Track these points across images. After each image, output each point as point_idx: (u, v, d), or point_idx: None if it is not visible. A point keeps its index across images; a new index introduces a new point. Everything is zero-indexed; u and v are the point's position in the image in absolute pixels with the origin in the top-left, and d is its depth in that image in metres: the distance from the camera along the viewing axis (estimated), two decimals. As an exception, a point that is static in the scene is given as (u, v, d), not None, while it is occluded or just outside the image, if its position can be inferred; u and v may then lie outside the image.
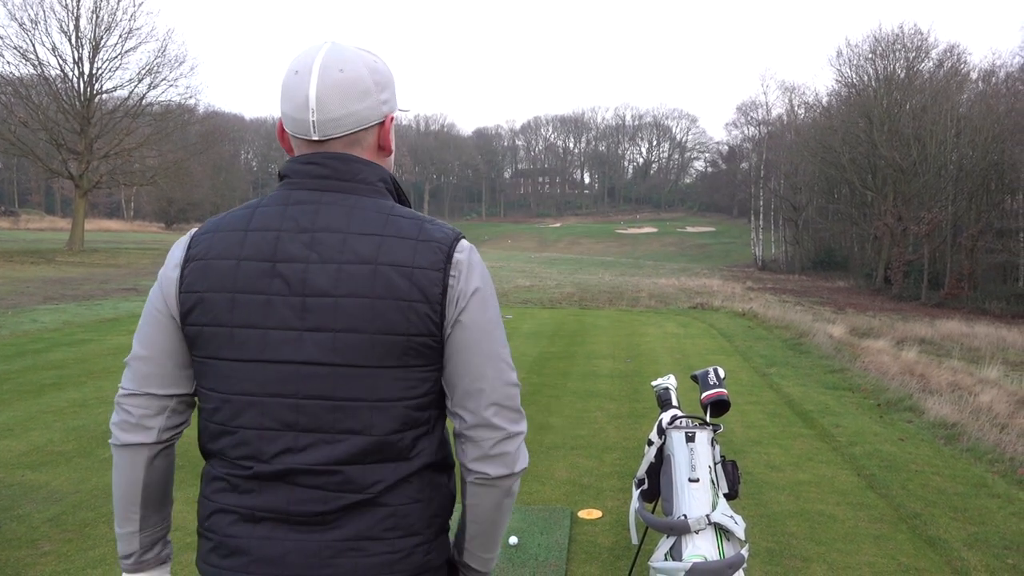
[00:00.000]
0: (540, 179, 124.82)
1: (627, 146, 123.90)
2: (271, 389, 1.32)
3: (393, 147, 1.49)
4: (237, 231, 1.38)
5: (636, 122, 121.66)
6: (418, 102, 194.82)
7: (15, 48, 32.21)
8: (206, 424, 1.40)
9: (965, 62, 49.76)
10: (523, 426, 1.41)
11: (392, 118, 1.47)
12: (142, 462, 1.43)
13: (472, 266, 1.37)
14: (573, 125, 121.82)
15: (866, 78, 50.80)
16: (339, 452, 1.31)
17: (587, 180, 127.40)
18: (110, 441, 1.45)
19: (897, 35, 48.97)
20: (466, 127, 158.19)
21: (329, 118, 1.37)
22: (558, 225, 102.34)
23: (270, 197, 1.42)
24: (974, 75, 49.81)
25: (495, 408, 1.36)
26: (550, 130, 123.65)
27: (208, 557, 1.38)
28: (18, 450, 5.93)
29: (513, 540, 4.22)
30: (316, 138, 1.39)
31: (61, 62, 33.33)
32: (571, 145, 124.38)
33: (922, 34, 49.12)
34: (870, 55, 50.10)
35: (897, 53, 48.88)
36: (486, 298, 1.38)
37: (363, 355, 1.31)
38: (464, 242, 1.40)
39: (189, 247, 1.41)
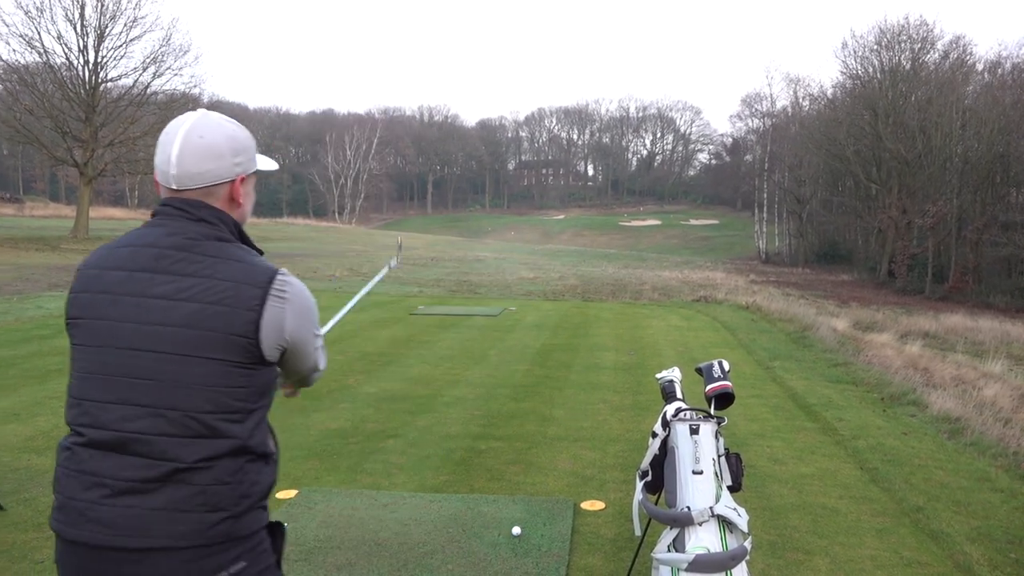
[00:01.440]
0: (544, 171, 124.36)
1: (631, 138, 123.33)
2: (111, 370, 1.63)
3: (244, 200, 1.80)
4: (109, 248, 1.75)
5: (640, 114, 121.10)
6: (422, 94, 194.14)
7: (20, 36, 32.22)
8: (67, 399, 1.71)
9: (971, 53, 49.54)
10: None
11: (243, 178, 1.78)
12: None
13: (288, 295, 1.69)
14: (577, 117, 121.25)
15: (871, 70, 50.59)
16: (161, 424, 1.59)
17: (591, 172, 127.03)
18: None
19: (903, 26, 48.72)
20: (470, 118, 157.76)
21: (186, 172, 1.70)
22: (562, 217, 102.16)
23: (141, 226, 1.77)
24: (980, 66, 49.65)
25: (313, 378, 1.90)
26: (554, 121, 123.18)
27: (56, 514, 1.65)
28: (24, 435, 5.96)
29: (516, 530, 4.24)
30: (174, 187, 1.72)
31: (66, 50, 33.30)
32: (575, 137, 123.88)
33: (927, 25, 48.89)
34: (875, 47, 49.90)
35: (902, 44, 48.64)
36: (301, 324, 1.73)
37: (190, 347, 1.61)
38: (279, 280, 1.69)
39: (84, 262, 1.77)
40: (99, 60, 33.83)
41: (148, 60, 34.71)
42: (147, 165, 37.16)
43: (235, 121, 1.80)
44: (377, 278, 3.63)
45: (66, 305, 1.76)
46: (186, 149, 1.69)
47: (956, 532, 4.40)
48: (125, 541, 1.57)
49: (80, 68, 33.71)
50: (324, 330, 1.98)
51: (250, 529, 1.67)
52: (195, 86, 38.18)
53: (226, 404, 1.62)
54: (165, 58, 34.95)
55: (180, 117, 1.75)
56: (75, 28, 33.05)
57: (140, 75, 34.97)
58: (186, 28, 64.10)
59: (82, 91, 33.62)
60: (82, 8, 32.87)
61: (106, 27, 33.53)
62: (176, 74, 35.98)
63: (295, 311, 1.71)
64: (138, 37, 34.80)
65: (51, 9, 33.60)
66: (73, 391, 1.69)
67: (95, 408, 1.63)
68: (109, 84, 35.15)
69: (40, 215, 48.66)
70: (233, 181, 1.76)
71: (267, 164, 1.91)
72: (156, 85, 35.68)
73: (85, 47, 33.46)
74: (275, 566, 1.75)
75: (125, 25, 33.88)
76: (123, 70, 36.43)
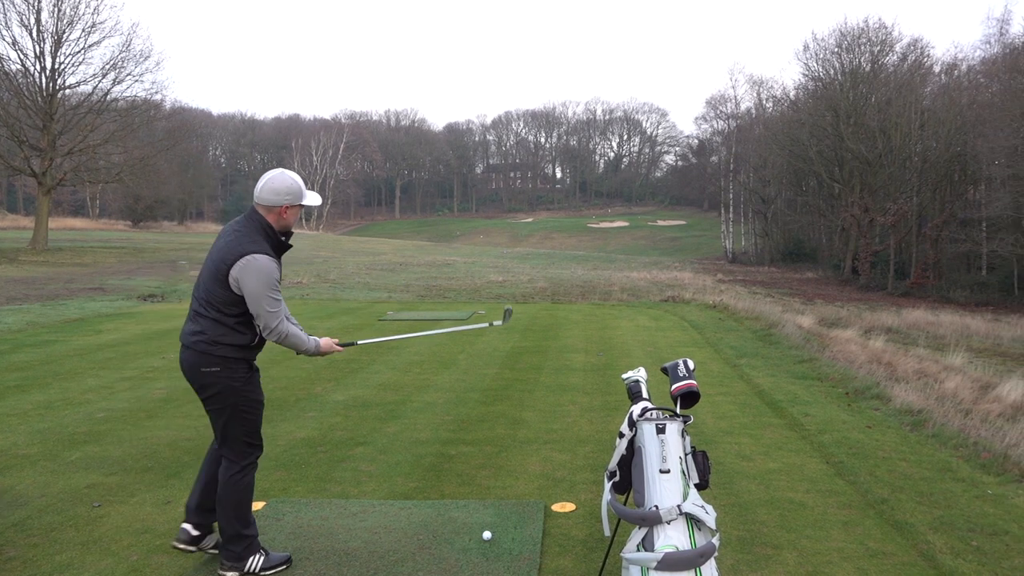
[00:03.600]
0: (512, 174, 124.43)
1: (598, 140, 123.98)
2: (198, 280, 3.78)
3: (287, 217, 3.76)
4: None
5: (607, 116, 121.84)
6: (389, 98, 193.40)
7: (-27, 43, 31.48)
8: None
9: (928, 55, 50.63)
10: (274, 324, 3.68)
11: (287, 207, 3.73)
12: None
13: (245, 269, 3.56)
14: (544, 120, 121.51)
15: (832, 72, 51.41)
16: (197, 304, 3.73)
17: (559, 175, 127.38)
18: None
19: (862, 29, 49.62)
20: (437, 122, 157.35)
21: (260, 197, 3.70)
22: (530, 220, 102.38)
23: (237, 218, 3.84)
24: (937, 68, 50.73)
25: (263, 322, 3.68)
26: (521, 125, 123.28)
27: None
28: (-19, 454, 5.81)
29: (487, 535, 4.23)
30: (255, 202, 3.73)
31: (22, 56, 32.59)
32: (542, 140, 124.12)
33: (886, 28, 49.81)
34: (836, 49, 50.74)
35: (862, 47, 49.53)
36: (250, 283, 3.57)
37: (212, 276, 3.65)
38: (246, 258, 3.57)
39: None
40: (56, 66, 33.16)
41: (107, 66, 34.07)
42: (108, 174, 36.54)
43: (295, 176, 3.75)
44: (474, 326, 5.27)
45: None
46: (263, 187, 3.70)
47: (919, 522, 4.48)
48: (187, 340, 3.73)
49: (36, 75, 33.02)
50: (385, 339, 5.08)
51: (225, 355, 3.67)
52: (156, 92, 37.69)
53: (217, 303, 3.64)
54: (125, 64, 34.33)
55: (272, 171, 3.77)
56: (31, 34, 32.39)
57: (99, 82, 34.30)
58: (147, 33, 63.13)
59: (39, 98, 32.93)
60: (38, 13, 32.22)
61: (63, 33, 32.88)
62: (137, 80, 35.33)
63: (243, 272, 3.57)
64: (97, 43, 34.23)
65: (5, 14, 32.78)
66: None
67: (194, 294, 3.78)
68: (67, 91, 34.44)
69: (-2, 226, 47.57)
70: (281, 206, 3.71)
71: (312, 200, 3.83)
72: (116, 92, 35.01)
73: (41, 53, 32.78)
74: (245, 379, 3.74)
75: (83, 31, 33.27)
76: (82, 77, 35.79)
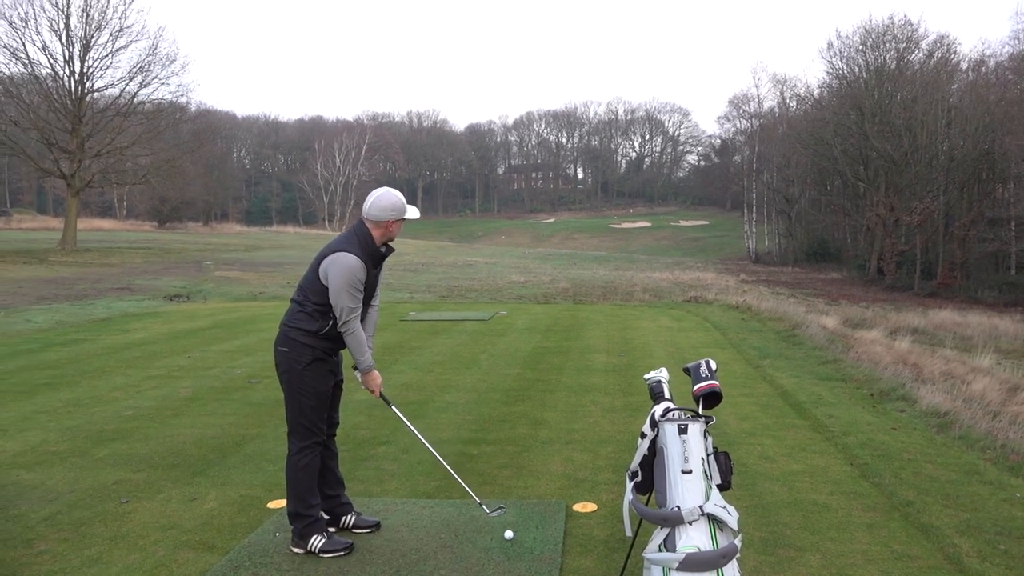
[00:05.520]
0: (533, 174, 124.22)
1: (620, 140, 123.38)
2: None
3: (393, 231, 4.17)
4: None
5: (628, 116, 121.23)
6: (411, 99, 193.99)
7: (5, 47, 32.17)
8: None
9: (955, 52, 49.81)
10: (348, 317, 4.03)
11: (392, 222, 4.13)
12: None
13: (332, 262, 4.00)
14: (566, 120, 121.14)
15: (857, 70, 50.84)
16: (297, 292, 4.19)
17: (580, 175, 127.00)
18: (353, 325, 4.10)
19: (887, 26, 48.99)
20: (459, 123, 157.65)
21: (367, 213, 4.11)
22: (552, 220, 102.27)
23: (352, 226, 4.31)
24: (964, 65, 49.87)
25: (339, 313, 4.03)
26: (543, 125, 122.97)
27: None
28: (13, 450, 5.92)
29: (509, 534, 4.24)
30: (364, 216, 4.14)
31: (52, 61, 33.22)
32: (564, 140, 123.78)
33: (912, 25, 49.24)
34: (860, 47, 50.16)
35: (887, 44, 48.92)
36: (333, 276, 3.97)
37: (311, 270, 4.12)
38: (335, 254, 4.01)
39: None
40: (85, 70, 33.72)
41: (134, 70, 34.65)
42: (135, 175, 37.02)
43: (398, 194, 4.13)
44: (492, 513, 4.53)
45: None
46: (372, 204, 4.08)
47: (946, 525, 4.42)
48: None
49: (66, 79, 33.60)
50: None
51: (293, 337, 4.05)
52: (182, 95, 38.25)
53: (307, 290, 4.08)
54: (152, 67, 34.89)
55: (379, 190, 4.16)
56: (60, 38, 32.99)
57: (127, 85, 34.90)
58: (172, 37, 64.31)
59: (68, 102, 33.48)
60: (67, 18, 32.79)
61: (92, 37, 33.45)
62: (163, 83, 36.19)
63: (331, 265, 3.98)
64: (124, 47, 34.79)
65: (36, 19, 33.58)
66: None
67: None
68: (95, 94, 35.03)
69: (28, 228, 48.38)
70: (387, 221, 4.10)
71: (412, 214, 4.21)
72: (143, 95, 35.59)
73: (71, 57, 33.36)
74: (307, 365, 4.06)
75: (111, 35, 33.84)
76: (109, 80, 36.36)
